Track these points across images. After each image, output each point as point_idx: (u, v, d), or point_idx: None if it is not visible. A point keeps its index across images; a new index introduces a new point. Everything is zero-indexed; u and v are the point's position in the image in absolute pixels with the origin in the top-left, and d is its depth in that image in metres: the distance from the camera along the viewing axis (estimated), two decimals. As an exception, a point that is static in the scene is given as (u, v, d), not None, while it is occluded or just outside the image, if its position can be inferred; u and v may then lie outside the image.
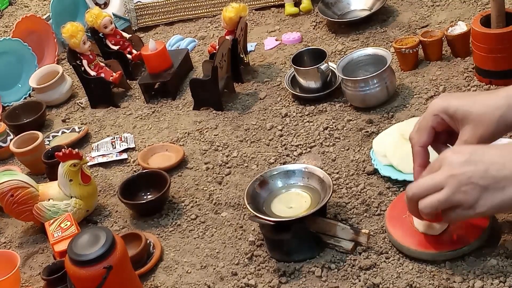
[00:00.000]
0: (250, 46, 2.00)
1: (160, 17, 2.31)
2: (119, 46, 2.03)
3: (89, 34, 2.02)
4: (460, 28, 1.62)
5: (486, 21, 1.47)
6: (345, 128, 1.53)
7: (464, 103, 1.06)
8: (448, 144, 1.16)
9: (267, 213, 1.26)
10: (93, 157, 1.69)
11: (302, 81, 1.69)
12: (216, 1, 2.25)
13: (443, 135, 1.13)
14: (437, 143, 1.14)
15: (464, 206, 0.96)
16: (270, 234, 1.23)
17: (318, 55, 1.70)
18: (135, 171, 1.62)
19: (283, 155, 1.51)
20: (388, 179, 1.34)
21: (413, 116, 1.48)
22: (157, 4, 2.30)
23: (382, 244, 1.19)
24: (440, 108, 1.08)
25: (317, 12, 2.04)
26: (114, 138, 1.76)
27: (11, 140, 1.79)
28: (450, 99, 1.08)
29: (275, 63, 1.90)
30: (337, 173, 1.41)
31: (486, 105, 1.04)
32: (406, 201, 1.04)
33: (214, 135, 1.66)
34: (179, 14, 2.30)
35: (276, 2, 2.19)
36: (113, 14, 2.21)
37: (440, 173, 0.98)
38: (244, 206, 1.38)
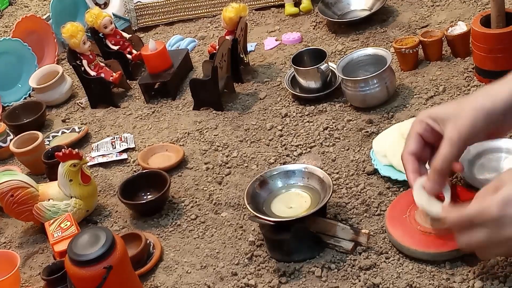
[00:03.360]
0: (250, 46, 2.00)
1: (160, 17, 2.32)
2: (119, 46, 2.03)
3: (89, 34, 2.02)
4: (460, 28, 1.62)
5: (486, 21, 1.47)
6: (345, 128, 1.53)
7: (447, 107, 1.09)
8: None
9: (267, 213, 1.26)
10: (93, 157, 1.69)
11: (302, 81, 1.69)
12: (216, 1, 2.25)
13: (431, 150, 1.13)
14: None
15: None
16: (270, 234, 1.23)
17: (318, 55, 1.70)
18: (135, 171, 1.62)
19: (283, 155, 1.51)
20: (388, 179, 1.34)
21: (413, 116, 1.48)
22: (157, 4, 2.30)
23: (382, 244, 1.19)
24: (425, 114, 1.10)
25: (317, 12, 2.04)
26: (114, 138, 1.76)
27: (11, 140, 1.79)
28: (436, 107, 1.12)
29: (275, 63, 1.90)
30: (337, 173, 1.41)
31: (464, 102, 1.06)
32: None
33: (214, 135, 1.66)
34: (179, 14, 2.30)
35: (276, 2, 2.20)
36: (113, 14, 2.21)
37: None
38: (244, 206, 1.38)
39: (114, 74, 1.94)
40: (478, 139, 1.06)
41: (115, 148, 1.71)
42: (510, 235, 0.94)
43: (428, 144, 1.12)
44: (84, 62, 1.92)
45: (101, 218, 1.50)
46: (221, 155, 1.58)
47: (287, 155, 1.51)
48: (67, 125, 1.92)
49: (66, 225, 1.33)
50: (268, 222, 1.22)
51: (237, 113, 1.72)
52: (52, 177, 1.54)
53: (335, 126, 1.55)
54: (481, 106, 1.03)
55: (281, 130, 1.60)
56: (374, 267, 1.15)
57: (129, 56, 2.02)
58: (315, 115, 1.62)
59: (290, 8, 2.13)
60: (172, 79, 1.87)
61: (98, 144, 1.75)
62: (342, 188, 1.36)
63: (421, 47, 1.65)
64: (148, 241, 1.34)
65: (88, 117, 1.92)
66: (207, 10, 2.27)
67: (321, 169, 1.33)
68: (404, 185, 1.30)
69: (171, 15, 2.31)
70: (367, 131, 1.50)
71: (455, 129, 1.04)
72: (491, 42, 1.45)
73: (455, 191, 1.17)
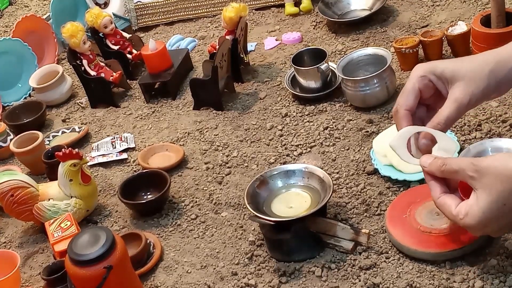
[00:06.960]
0: (250, 46, 2.00)
1: (160, 17, 2.31)
2: (119, 46, 2.03)
3: (89, 34, 2.03)
4: (460, 28, 1.61)
5: (486, 21, 1.47)
6: (345, 128, 1.53)
7: (451, 63, 1.03)
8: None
9: (267, 213, 1.26)
10: (93, 157, 1.69)
11: (302, 81, 1.69)
12: (216, 1, 2.25)
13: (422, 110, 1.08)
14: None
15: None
16: (270, 234, 1.23)
17: (318, 55, 1.70)
18: (135, 171, 1.62)
19: (283, 155, 1.51)
20: (388, 179, 1.34)
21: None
22: (157, 4, 2.30)
23: (382, 244, 1.19)
24: (426, 69, 1.04)
25: (317, 12, 2.04)
26: (114, 138, 1.76)
27: (11, 140, 1.79)
28: (435, 62, 1.05)
29: (275, 63, 1.90)
30: (337, 173, 1.41)
31: (474, 62, 1.01)
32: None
33: (214, 135, 1.66)
34: (179, 14, 2.30)
35: (276, 2, 2.19)
36: (113, 14, 2.21)
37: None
38: (244, 206, 1.38)
39: (114, 74, 1.94)
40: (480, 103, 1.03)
41: (115, 148, 1.71)
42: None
43: (422, 102, 1.07)
44: (84, 62, 1.92)
45: (101, 218, 1.50)
46: (221, 155, 1.58)
47: (287, 155, 1.51)
48: (67, 125, 1.92)
49: (66, 225, 1.33)
50: (268, 222, 1.22)
51: (237, 113, 1.72)
52: (52, 177, 1.54)
53: (335, 126, 1.55)
54: (494, 74, 0.99)
55: (281, 130, 1.60)
56: (374, 267, 1.15)
57: (129, 56, 2.02)
58: (315, 115, 1.62)
59: (290, 8, 2.13)
60: (172, 79, 1.87)
61: (98, 144, 1.75)
62: (342, 188, 1.36)
63: (421, 47, 1.65)
64: (148, 241, 1.34)
65: (88, 117, 1.92)
66: (207, 10, 2.27)
67: (321, 169, 1.33)
68: (404, 185, 1.30)
69: (171, 15, 2.31)
70: (367, 131, 1.50)
71: (467, 94, 0.99)
72: (491, 42, 1.45)
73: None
